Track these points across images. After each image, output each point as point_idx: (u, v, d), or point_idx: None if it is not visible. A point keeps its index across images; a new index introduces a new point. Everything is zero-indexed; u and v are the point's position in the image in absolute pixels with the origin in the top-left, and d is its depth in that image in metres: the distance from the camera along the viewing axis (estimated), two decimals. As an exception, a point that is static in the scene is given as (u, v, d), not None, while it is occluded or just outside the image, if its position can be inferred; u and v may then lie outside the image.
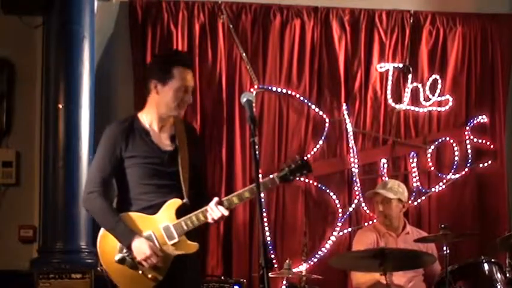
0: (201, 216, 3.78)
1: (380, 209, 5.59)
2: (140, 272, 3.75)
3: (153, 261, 3.71)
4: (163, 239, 3.77)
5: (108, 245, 3.80)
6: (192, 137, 3.98)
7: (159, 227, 3.78)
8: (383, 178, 6.48)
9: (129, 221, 3.78)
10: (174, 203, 3.81)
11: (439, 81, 6.65)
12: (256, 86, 6.37)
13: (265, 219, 6.16)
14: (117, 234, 3.76)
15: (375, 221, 5.99)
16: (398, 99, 6.62)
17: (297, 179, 3.95)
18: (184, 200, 3.82)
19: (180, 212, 3.80)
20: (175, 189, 3.83)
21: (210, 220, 3.78)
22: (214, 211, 3.76)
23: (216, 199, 3.80)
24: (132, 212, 3.81)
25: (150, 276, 3.75)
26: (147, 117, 3.92)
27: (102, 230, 3.83)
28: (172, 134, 3.92)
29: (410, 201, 6.28)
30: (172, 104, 3.84)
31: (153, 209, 3.80)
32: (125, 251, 3.73)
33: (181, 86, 3.83)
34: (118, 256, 3.74)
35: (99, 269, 4.18)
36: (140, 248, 3.71)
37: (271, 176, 3.84)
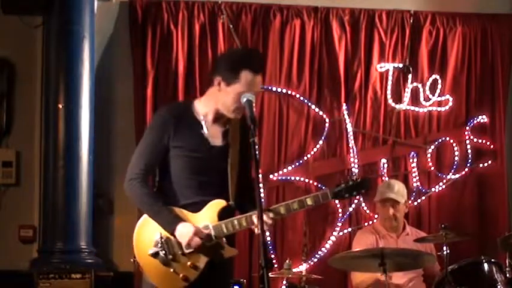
0: (244, 222, 3.56)
1: (391, 212, 5.57)
2: (172, 270, 3.57)
3: (197, 241, 3.50)
4: None
5: (144, 236, 3.63)
6: (247, 136, 3.57)
7: (198, 226, 3.57)
8: (383, 178, 6.48)
9: None
10: (218, 204, 3.61)
11: (439, 81, 6.65)
12: (256, 86, 6.36)
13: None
14: (160, 220, 3.56)
15: (374, 221, 6.00)
16: (398, 99, 6.62)
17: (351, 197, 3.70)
18: (230, 202, 3.63)
19: (223, 214, 3.60)
20: (220, 188, 3.63)
21: (253, 227, 3.53)
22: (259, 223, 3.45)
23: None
24: (172, 206, 3.61)
25: (181, 275, 3.57)
26: (203, 108, 3.68)
27: (140, 220, 3.66)
28: (225, 129, 3.70)
29: (410, 201, 6.28)
30: (232, 106, 3.58)
31: (194, 206, 3.61)
32: (159, 245, 3.56)
33: (246, 91, 3.54)
34: (152, 250, 3.57)
35: (131, 260, 4.03)
36: (183, 230, 3.51)
37: (324, 190, 3.63)
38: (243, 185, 3.70)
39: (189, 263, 3.59)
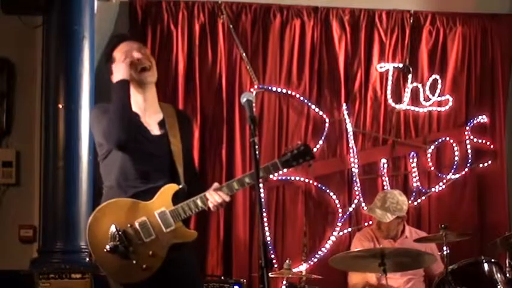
0: (199, 202, 3.61)
1: (376, 226, 5.61)
2: (134, 261, 3.54)
3: None
4: (159, 226, 3.58)
5: (98, 232, 3.58)
6: (182, 121, 3.83)
7: (155, 213, 3.58)
8: (383, 178, 6.48)
9: (120, 208, 3.59)
10: (170, 188, 3.63)
11: (439, 81, 6.65)
12: (256, 86, 6.37)
13: (265, 219, 6.16)
14: None
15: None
16: (398, 99, 6.62)
17: (299, 165, 3.78)
18: (181, 185, 3.66)
19: (177, 198, 3.62)
20: (169, 174, 3.67)
21: (210, 206, 3.59)
22: (214, 196, 3.59)
23: (215, 184, 3.65)
24: (125, 198, 3.61)
25: (144, 266, 3.55)
26: (133, 100, 3.74)
27: (91, 217, 3.61)
28: (161, 120, 3.78)
29: (410, 201, 6.28)
30: (130, 75, 3.69)
31: (147, 194, 3.60)
32: (117, 239, 3.52)
33: (126, 58, 3.71)
34: (109, 245, 3.52)
35: (90, 259, 3.97)
36: None
37: (273, 161, 3.66)
38: (189, 176, 3.74)
39: (150, 252, 3.57)
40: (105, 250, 3.53)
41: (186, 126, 3.88)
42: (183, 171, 3.70)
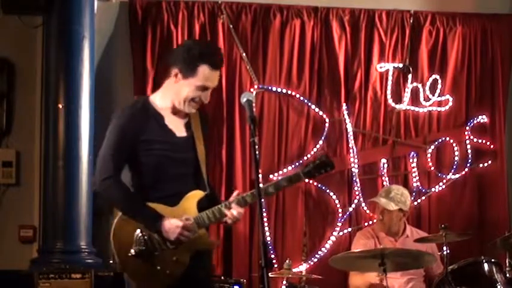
0: (224, 209, 3.57)
1: (379, 217, 5.60)
2: (158, 267, 3.51)
3: (187, 234, 3.47)
4: None
5: (123, 237, 3.53)
6: (204, 123, 3.77)
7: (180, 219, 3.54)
8: (383, 178, 6.48)
9: None
10: (195, 195, 3.60)
11: (439, 81, 6.65)
12: (256, 86, 6.37)
13: (265, 219, 6.16)
14: (143, 218, 3.50)
15: (374, 221, 5.99)
16: (398, 99, 6.62)
17: (320, 175, 3.79)
18: (207, 192, 3.63)
19: (202, 205, 3.59)
20: (194, 178, 3.63)
21: (229, 215, 3.56)
22: (235, 208, 3.56)
23: (236, 192, 3.63)
24: (150, 202, 3.55)
25: (168, 272, 3.52)
26: (161, 101, 3.68)
27: (114, 222, 3.56)
28: (187, 122, 3.70)
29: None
30: (186, 100, 3.60)
31: (170, 199, 3.56)
32: (142, 244, 3.49)
33: (202, 86, 3.61)
34: (135, 249, 3.49)
35: (110, 261, 3.94)
36: (171, 226, 3.46)
37: (296, 171, 3.71)
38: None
39: (174, 258, 3.55)
40: (129, 254, 3.50)
41: (206, 127, 3.81)
42: (207, 176, 3.68)
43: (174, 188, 3.59)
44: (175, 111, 3.68)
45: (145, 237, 3.51)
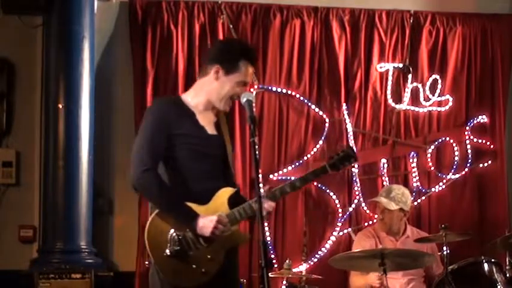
0: (254, 204, 3.53)
1: (380, 217, 5.59)
2: (194, 266, 3.52)
3: (221, 228, 3.48)
4: None
5: (157, 236, 3.53)
6: (228, 122, 3.84)
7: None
8: (383, 178, 6.48)
9: None
10: (226, 192, 3.62)
11: (439, 81, 6.65)
12: (256, 86, 6.37)
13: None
14: (180, 215, 3.51)
15: (374, 221, 5.99)
16: (398, 99, 6.62)
17: (345, 167, 3.81)
18: (236, 188, 3.66)
19: (233, 201, 3.60)
20: (223, 175, 3.66)
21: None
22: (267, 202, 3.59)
23: (267, 187, 3.64)
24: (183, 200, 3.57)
25: (203, 270, 3.53)
26: (193, 100, 3.72)
27: (149, 220, 3.55)
28: (216, 121, 3.74)
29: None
30: (225, 96, 3.65)
31: (201, 195, 3.57)
32: (177, 243, 3.50)
33: (243, 81, 3.65)
34: (170, 249, 3.50)
35: (146, 263, 3.92)
36: (205, 221, 3.47)
37: (321, 165, 3.71)
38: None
39: (209, 256, 3.56)
40: (165, 254, 3.52)
41: (229, 129, 3.85)
42: (234, 174, 3.73)
43: (206, 184, 3.60)
44: (207, 109, 3.72)
45: (180, 237, 3.52)
